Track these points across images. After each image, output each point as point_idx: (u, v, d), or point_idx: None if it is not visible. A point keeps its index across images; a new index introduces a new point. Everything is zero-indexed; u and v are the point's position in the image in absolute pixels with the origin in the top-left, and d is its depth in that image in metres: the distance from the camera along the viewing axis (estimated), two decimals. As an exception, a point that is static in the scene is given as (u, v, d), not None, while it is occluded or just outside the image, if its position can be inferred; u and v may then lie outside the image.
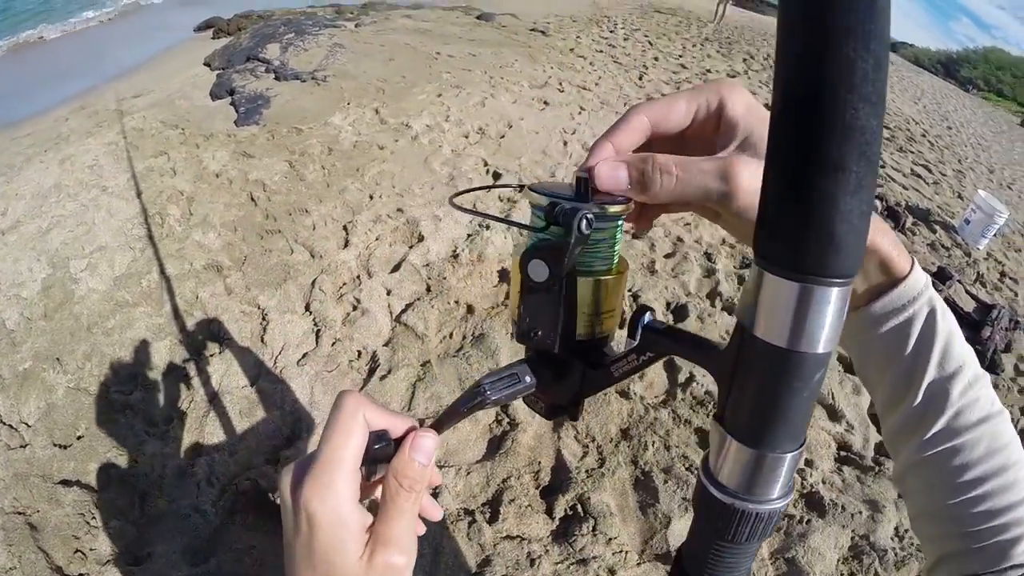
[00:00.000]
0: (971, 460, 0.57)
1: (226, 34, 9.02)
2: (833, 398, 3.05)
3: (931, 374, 0.58)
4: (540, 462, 2.46)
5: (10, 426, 2.48)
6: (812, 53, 0.30)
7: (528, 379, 0.51)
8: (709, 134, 0.52)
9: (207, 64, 7.30)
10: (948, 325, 0.58)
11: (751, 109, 0.51)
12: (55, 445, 2.41)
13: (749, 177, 0.47)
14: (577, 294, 0.47)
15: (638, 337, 0.47)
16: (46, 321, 2.96)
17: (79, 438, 2.44)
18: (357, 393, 0.51)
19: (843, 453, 2.80)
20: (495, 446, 2.51)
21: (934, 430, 0.58)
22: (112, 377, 2.68)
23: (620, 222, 0.50)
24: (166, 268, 3.30)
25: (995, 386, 3.56)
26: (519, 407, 2.59)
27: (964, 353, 0.58)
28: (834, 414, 3.00)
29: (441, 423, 0.54)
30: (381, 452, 0.50)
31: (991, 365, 3.83)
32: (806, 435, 0.39)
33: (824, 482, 2.60)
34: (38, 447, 2.40)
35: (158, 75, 7.08)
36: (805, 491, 2.54)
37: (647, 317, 0.47)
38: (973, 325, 4.13)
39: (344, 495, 0.49)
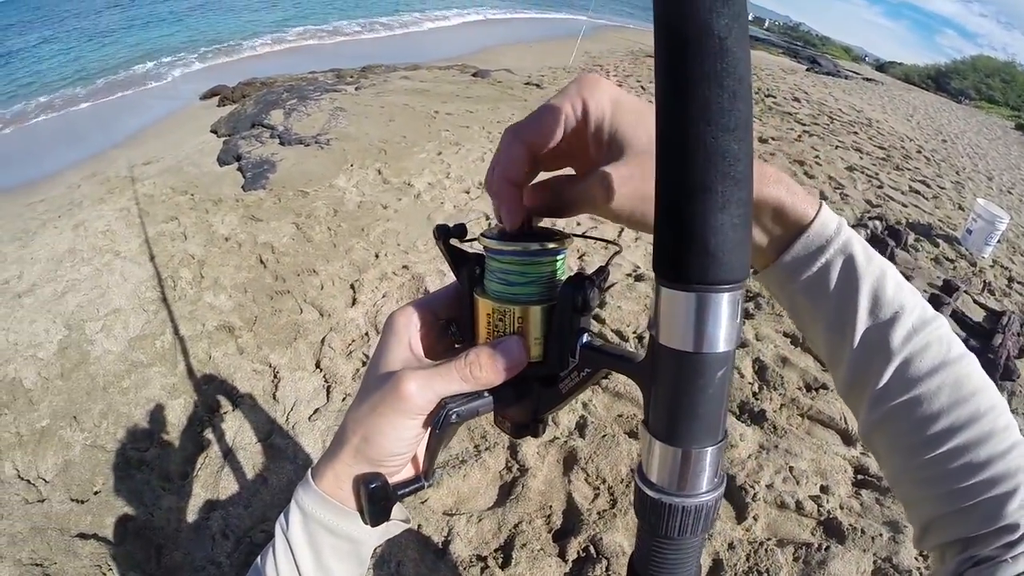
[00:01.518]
0: (934, 412, 0.53)
1: (231, 101, 9.25)
2: (846, 422, 3.05)
3: (863, 323, 0.55)
4: (551, 506, 2.49)
5: (28, 481, 2.55)
6: (676, 96, 0.35)
7: (487, 395, 0.54)
8: (586, 138, 0.52)
9: (214, 131, 7.52)
10: (876, 269, 0.55)
11: (617, 105, 0.51)
12: (72, 500, 2.48)
13: (616, 185, 0.49)
14: (529, 321, 0.53)
15: (577, 356, 0.53)
16: (63, 381, 3.04)
17: (96, 493, 2.51)
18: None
19: (860, 477, 2.78)
20: (506, 492, 2.55)
21: (882, 383, 0.55)
22: (128, 434, 2.76)
23: (559, 256, 0.55)
24: (179, 329, 3.40)
25: (1011, 393, 3.55)
26: (529, 453, 2.65)
27: (902, 298, 0.55)
28: (848, 439, 3.00)
29: (428, 463, 0.57)
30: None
31: (1005, 371, 3.68)
32: (725, 429, 0.41)
33: (842, 507, 2.60)
34: (55, 501, 2.46)
35: (167, 142, 7.28)
36: (822, 518, 2.54)
37: (584, 337, 0.52)
38: (984, 334, 4.09)
39: (411, 318, 0.56)
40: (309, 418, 2.86)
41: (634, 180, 0.49)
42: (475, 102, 8.90)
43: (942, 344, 0.55)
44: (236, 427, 2.78)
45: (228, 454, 2.65)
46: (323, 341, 3.37)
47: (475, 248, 0.58)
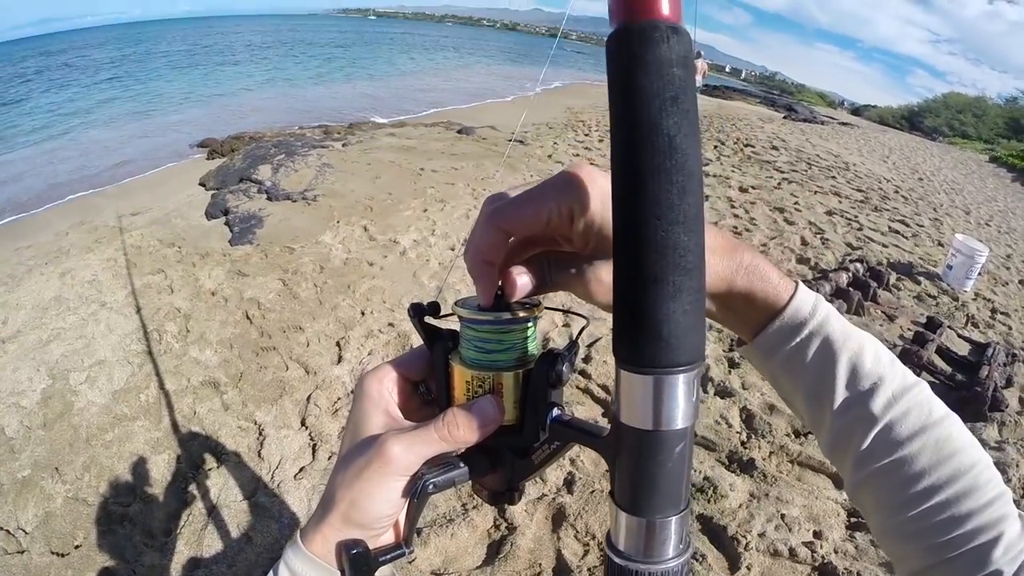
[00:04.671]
0: (916, 472, 0.55)
1: (220, 155, 9.36)
2: (839, 466, 3.03)
3: (841, 395, 0.57)
4: (541, 564, 2.49)
5: (8, 532, 2.53)
6: (628, 191, 0.37)
7: (462, 465, 0.56)
8: (571, 233, 0.54)
9: (202, 184, 7.60)
10: (854, 344, 0.58)
11: (607, 201, 0.46)
12: (53, 553, 2.46)
13: (603, 284, 0.54)
14: (505, 386, 0.56)
15: (547, 429, 0.55)
16: (45, 431, 3.04)
17: (77, 547, 2.49)
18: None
19: (854, 520, 2.79)
20: (494, 551, 2.54)
21: (864, 445, 0.57)
22: (111, 488, 2.75)
23: (530, 324, 0.58)
24: (164, 383, 3.41)
25: (1000, 423, 3.65)
26: (517, 511, 2.67)
27: (881, 369, 0.58)
28: (839, 482, 2.97)
29: (408, 531, 0.58)
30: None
31: (993, 403, 3.72)
32: (688, 498, 0.43)
33: (836, 551, 2.61)
34: (36, 554, 2.45)
35: (156, 194, 7.34)
36: (817, 563, 2.55)
37: (555, 411, 0.55)
38: (970, 367, 4.15)
39: (384, 380, 0.58)
40: (295, 476, 2.87)
41: None
42: (460, 159, 9.04)
43: (923, 408, 0.57)
44: (221, 484, 2.78)
45: (212, 511, 2.65)
46: (309, 399, 3.39)
47: (448, 324, 0.62)
